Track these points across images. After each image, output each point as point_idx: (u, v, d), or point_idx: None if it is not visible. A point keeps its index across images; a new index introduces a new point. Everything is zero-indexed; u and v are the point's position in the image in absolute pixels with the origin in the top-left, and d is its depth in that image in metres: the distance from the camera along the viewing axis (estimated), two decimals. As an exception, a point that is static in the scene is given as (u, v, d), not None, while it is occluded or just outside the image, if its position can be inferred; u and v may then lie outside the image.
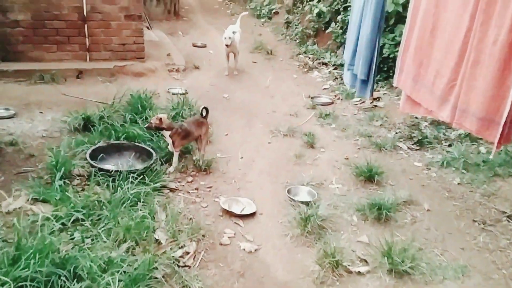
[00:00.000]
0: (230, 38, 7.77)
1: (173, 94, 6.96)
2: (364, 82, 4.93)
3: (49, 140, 5.06)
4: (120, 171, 4.09)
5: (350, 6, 8.45)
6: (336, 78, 8.10)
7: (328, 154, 5.33)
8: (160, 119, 4.55)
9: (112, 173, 4.09)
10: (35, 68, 7.04)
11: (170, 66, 8.02)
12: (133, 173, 4.13)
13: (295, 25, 11.18)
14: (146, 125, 4.68)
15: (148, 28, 10.77)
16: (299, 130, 5.92)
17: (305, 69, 8.78)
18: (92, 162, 4.24)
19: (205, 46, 10.12)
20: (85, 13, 7.28)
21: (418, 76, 3.25)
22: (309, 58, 9.41)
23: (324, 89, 7.74)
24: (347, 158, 5.23)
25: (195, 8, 15.28)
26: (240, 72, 8.48)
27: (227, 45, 7.81)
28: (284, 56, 9.73)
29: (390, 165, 5.07)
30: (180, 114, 5.71)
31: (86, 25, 7.35)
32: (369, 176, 4.65)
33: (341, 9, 9.22)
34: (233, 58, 8.44)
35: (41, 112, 5.78)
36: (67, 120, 5.32)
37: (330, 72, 8.54)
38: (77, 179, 4.21)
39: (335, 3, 9.42)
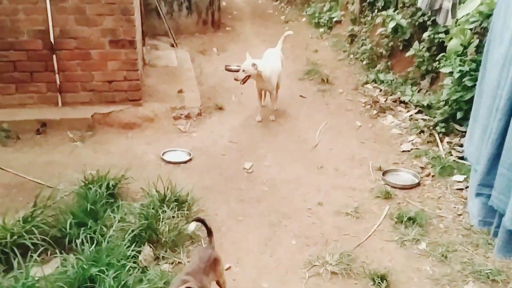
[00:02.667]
0: (244, 71, 5.27)
1: (167, 163, 4.57)
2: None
3: None
4: None
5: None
6: (422, 132, 5.33)
7: None
8: None
9: None
10: (-20, 119, 4.90)
11: (178, 110, 5.61)
12: None
13: (362, 40, 8.43)
14: None
15: (173, 45, 8.50)
16: (361, 258, 3.30)
17: (374, 111, 6.06)
18: None
19: (241, 70, 7.61)
20: (52, 39, 5.04)
21: None
22: (380, 91, 6.66)
23: (403, 152, 5.01)
24: None
25: (245, 14, 12.83)
26: (280, 115, 5.95)
27: (236, 80, 5.32)
28: (345, 86, 7.05)
29: None
30: (152, 233, 3.27)
31: (54, 56, 5.11)
32: None
33: (429, 23, 6.39)
34: (268, 99, 5.94)
35: None
36: None
37: (411, 117, 5.77)
38: None
39: (419, 14, 6.61)
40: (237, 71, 7.60)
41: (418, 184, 4.33)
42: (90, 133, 5.06)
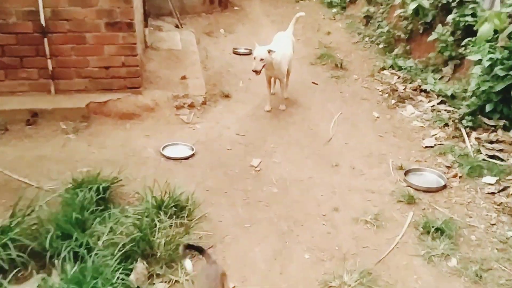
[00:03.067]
0: (262, 60, 4.79)
1: (168, 159, 4.17)
2: None
3: None
4: None
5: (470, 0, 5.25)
6: (447, 125, 4.87)
7: None
8: None
9: None
10: (-35, 108, 4.52)
11: (180, 99, 5.18)
12: None
13: (378, 21, 7.91)
14: None
15: (177, 26, 8.03)
16: (383, 277, 2.90)
17: (393, 100, 5.60)
18: None
19: (250, 53, 7.14)
20: (43, 21, 4.61)
21: None
22: (399, 78, 6.18)
23: (426, 147, 4.56)
24: None
25: (254, -7, 12.22)
26: (290, 104, 5.51)
27: (255, 71, 4.83)
28: (361, 72, 6.58)
29: None
30: (146, 246, 2.89)
31: (46, 40, 4.68)
32: None
33: (454, 4, 5.87)
34: (278, 86, 5.50)
35: None
36: None
37: (433, 108, 5.31)
38: None
39: (444, -6, 6.09)
40: (246, 54, 7.18)
41: (444, 187, 3.90)
42: (85, 124, 4.66)
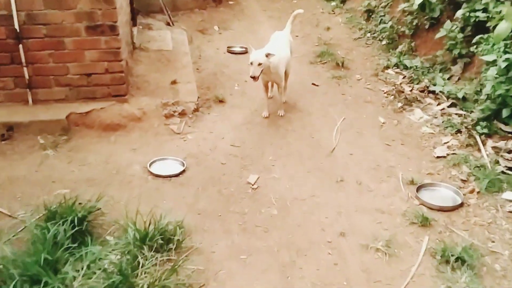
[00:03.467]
0: (260, 65, 4.39)
1: (156, 176, 3.78)
2: None
3: None
4: None
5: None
6: (459, 131, 4.48)
7: None
8: None
9: None
10: None
11: (170, 107, 4.78)
12: None
13: (381, 16, 7.49)
14: None
15: (169, 24, 7.62)
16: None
17: (399, 103, 5.20)
18: None
19: (245, 52, 6.75)
20: (17, 26, 4.20)
21: None
22: (404, 78, 5.78)
23: (438, 157, 4.18)
24: None
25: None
26: (289, 109, 5.13)
27: (253, 78, 4.43)
28: (363, 71, 6.18)
29: None
30: None
31: (21, 46, 4.28)
32: None
33: (463, -2, 5.47)
34: (276, 89, 5.11)
35: None
36: None
37: (443, 112, 4.92)
38: None
39: (452, -13, 5.68)
40: (241, 53, 6.77)
41: (461, 205, 3.52)
42: (65, 137, 4.27)
